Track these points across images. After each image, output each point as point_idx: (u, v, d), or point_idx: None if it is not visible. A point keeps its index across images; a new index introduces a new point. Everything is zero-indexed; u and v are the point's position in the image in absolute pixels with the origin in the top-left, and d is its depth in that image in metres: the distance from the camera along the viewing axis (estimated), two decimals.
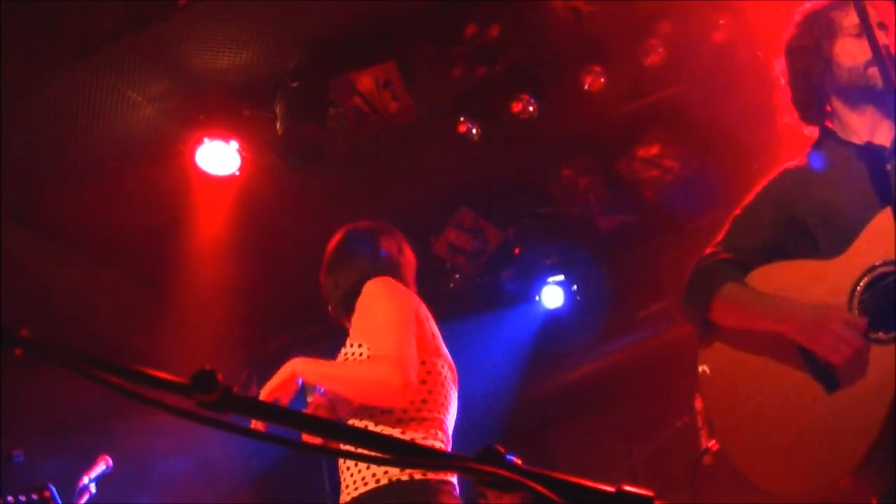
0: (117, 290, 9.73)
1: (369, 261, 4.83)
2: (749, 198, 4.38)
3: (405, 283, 4.79)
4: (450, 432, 4.55)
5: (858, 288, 3.81)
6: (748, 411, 4.03)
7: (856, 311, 3.79)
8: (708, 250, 4.31)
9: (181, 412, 1.71)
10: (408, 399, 4.25)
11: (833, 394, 3.77)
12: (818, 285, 3.91)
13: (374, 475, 4.29)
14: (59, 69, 7.28)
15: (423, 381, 4.40)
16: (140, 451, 8.87)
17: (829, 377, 3.80)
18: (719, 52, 7.86)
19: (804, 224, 4.10)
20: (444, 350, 4.65)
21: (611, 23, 7.72)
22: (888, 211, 3.78)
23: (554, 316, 10.83)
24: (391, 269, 4.80)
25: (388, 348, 4.30)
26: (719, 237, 4.35)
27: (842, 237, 3.93)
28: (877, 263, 3.79)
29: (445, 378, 4.54)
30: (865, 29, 3.48)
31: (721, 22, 7.67)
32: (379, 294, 4.52)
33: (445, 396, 4.51)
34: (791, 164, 4.36)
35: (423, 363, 4.42)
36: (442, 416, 4.48)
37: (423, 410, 4.41)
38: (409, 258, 4.97)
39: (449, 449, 4.51)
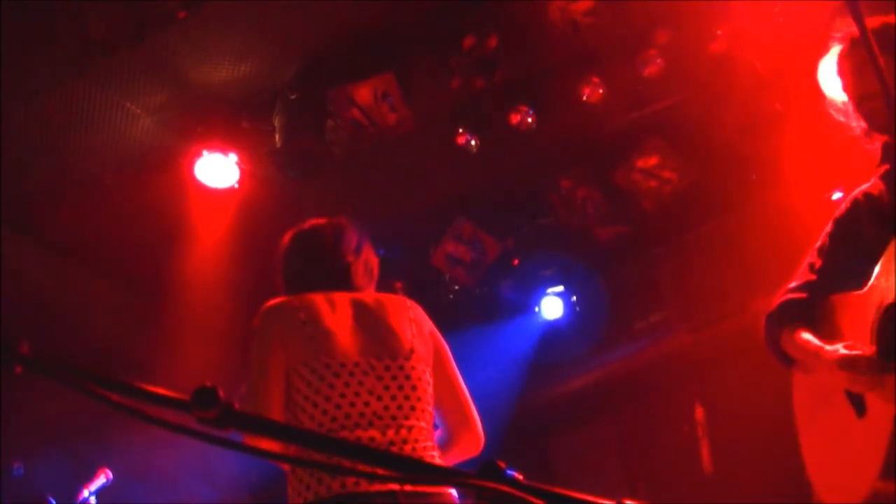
0: (116, 302, 9.72)
1: (286, 277, 5.03)
2: (826, 228, 4.47)
3: (334, 283, 4.86)
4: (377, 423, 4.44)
5: (878, 318, 3.97)
6: (814, 430, 4.37)
7: (875, 343, 3.96)
8: (788, 284, 4.52)
9: (182, 429, 1.71)
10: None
11: (862, 418, 4.01)
12: (859, 318, 4.09)
13: (298, 493, 4.31)
14: (57, 81, 7.28)
15: (298, 389, 4.46)
16: (140, 463, 8.86)
17: (860, 403, 4.03)
18: (717, 63, 7.87)
19: (866, 254, 4.16)
20: (347, 344, 4.57)
21: (609, 34, 7.73)
22: None
23: (553, 327, 10.84)
24: (302, 282, 4.90)
25: (241, 397, 4.47)
26: (799, 268, 4.52)
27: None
28: (886, 296, 3.93)
29: (320, 377, 4.43)
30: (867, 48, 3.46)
31: (719, 32, 7.67)
32: (250, 337, 4.65)
33: (332, 396, 4.40)
34: (860, 189, 4.40)
35: (300, 369, 4.47)
36: (332, 421, 4.39)
37: (318, 418, 4.40)
38: (345, 251, 5.01)
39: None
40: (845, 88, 4.40)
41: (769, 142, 8.54)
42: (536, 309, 10.83)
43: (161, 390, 1.73)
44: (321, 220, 5.17)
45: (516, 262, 10.40)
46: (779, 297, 4.49)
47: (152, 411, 1.74)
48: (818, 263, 4.40)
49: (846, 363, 3.93)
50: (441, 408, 4.82)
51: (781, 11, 7.40)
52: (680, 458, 9.88)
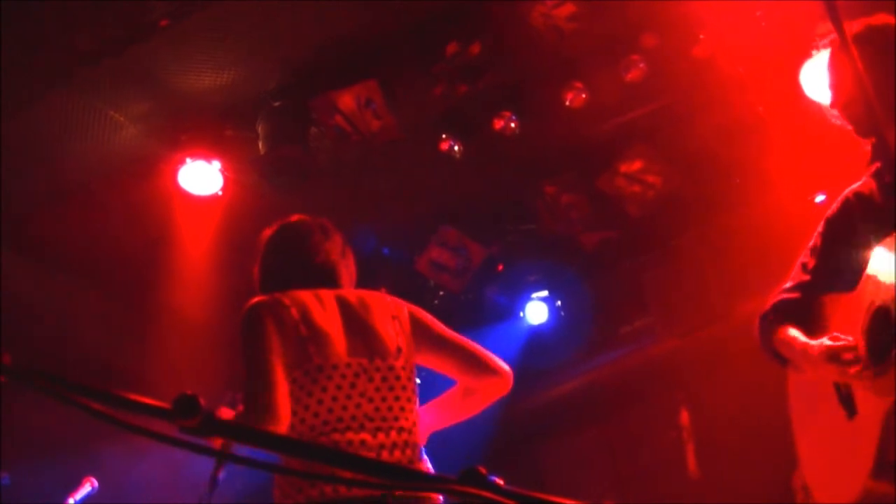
0: (100, 310, 9.70)
1: (269, 269, 4.95)
2: (819, 228, 4.49)
3: (316, 280, 4.80)
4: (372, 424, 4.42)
5: (865, 321, 3.97)
6: (809, 430, 4.38)
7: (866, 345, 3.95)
8: (783, 285, 4.52)
9: (163, 438, 1.71)
10: (285, 424, 4.21)
11: (853, 419, 4.01)
12: (849, 319, 4.09)
13: (287, 495, 4.28)
14: (42, 90, 7.26)
15: (290, 390, 4.35)
16: (126, 472, 8.84)
17: (851, 404, 4.03)
18: (700, 68, 7.88)
19: (855, 254, 4.18)
20: (341, 343, 4.52)
21: (591, 39, 7.73)
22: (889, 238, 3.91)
23: (538, 332, 10.84)
24: (288, 276, 4.83)
25: (246, 399, 4.34)
26: (792, 269, 4.52)
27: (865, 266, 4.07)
28: (876, 296, 3.94)
29: (312, 379, 4.38)
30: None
31: (701, 37, 7.68)
32: (241, 336, 4.51)
33: (324, 399, 4.36)
34: (851, 189, 4.40)
35: (292, 371, 4.39)
36: (329, 422, 4.35)
37: (308, 420, 4.34)
38: (326, 253, 4.95)
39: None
40: (831, 93, 4.44)
41: (753, 146, 8.56)
42: (521, 314, 10.83)
43: (142, 398, 1.72)
44: (307, 217, 5.11)
45: (501, 267, 10.41)
46: (772, 298, 4.50)
47: (134, 420, 1.74)
48: (811, 263, 4.41)
49: (831, 355, 3.94)
50: (448, 362, 4.86)
51: (763, 16, 7.42)
52: (666, 463, 9.89)
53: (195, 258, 8.89)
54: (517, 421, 10.77)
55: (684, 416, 8.92)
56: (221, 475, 4.26)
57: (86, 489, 7.05)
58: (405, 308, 4.87)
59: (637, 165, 8.94)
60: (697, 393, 9.87)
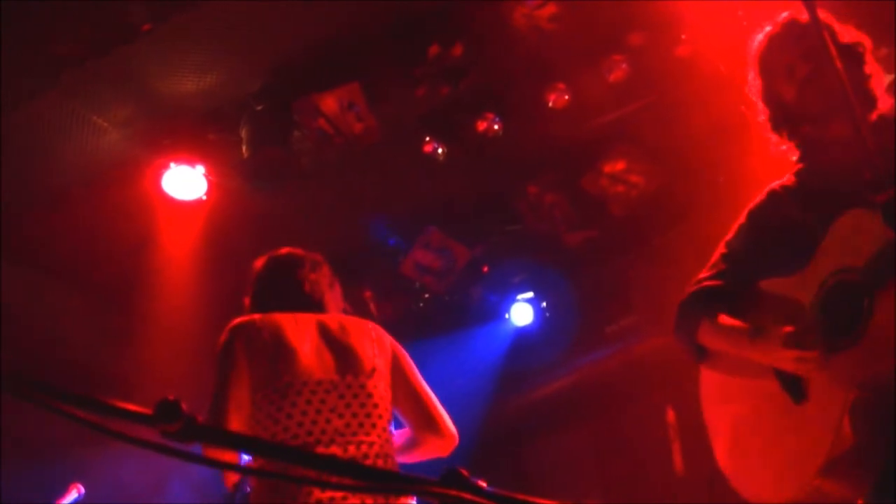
0: (85, 315, 9.67)
1: (257, 296, 5.04)
2: (739, 220, 4.48)
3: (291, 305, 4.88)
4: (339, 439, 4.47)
5: (818, 300, 3.89)
6: (731, 423, 4.24)
7: (818, 324, 3.86)
8: (699, 276, 4.48)
9: (146, 444, 1.71)
10: None
11: (800, 404, 3.87)
12: (792, 302, 4.00)
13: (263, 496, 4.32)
14: (24, 95, 7.25)
15: (260, 407, 4.45)
16: (112, 478, 8.82)
17: (797, 389, 3.89)
18: (682, 67, 7.89)
19: (793, 240, 4.13)
20: (308, 363, 4.58)
21: (574, 40, 7.74)
22: (841, 220, 3.85)
23: (524, 333, 10.84)
24: (272, 303, 4.90)
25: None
26: (711, 260, 4.49)
27: (808, 250, 4.00)
28: (828, 274, 3.88)
29: (283, 395, 4.45)
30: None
31: (683, 37, 7.70)
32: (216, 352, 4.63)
33: (294, 414, 4.42)
34: (777, 183, 4.41)
35: (263, 388, 4.47)
36: (292, 432, 4.41)
37: (279, 435, 4.39)
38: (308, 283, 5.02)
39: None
40: (759, 75, 4.45)
41: (736, 144, 8.57)
42: (507, 315, 10.83)
43: (124, 404, 1.73)
44: (296, 250, 5.19)
45: (486, 268, 10.41)
46: (691, 287, 4.47)
47: (116, 425, 1.74)
48: (733, 254, 4.39)
49: (792, 340, 3.81)
50: (403, 412, 4.85)
51: (745, 15, 7.44)
52: (652, 462, 9.88)
53: (180, 263, 8.88)
54: (503, 421, 10.79)
55: (670, 415, 8.92)
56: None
57: (72, 496, 7.04)
58: (389, 339, 4.93)
59: (620, 165, 8.95)
60: (683, 391, 9.84)
